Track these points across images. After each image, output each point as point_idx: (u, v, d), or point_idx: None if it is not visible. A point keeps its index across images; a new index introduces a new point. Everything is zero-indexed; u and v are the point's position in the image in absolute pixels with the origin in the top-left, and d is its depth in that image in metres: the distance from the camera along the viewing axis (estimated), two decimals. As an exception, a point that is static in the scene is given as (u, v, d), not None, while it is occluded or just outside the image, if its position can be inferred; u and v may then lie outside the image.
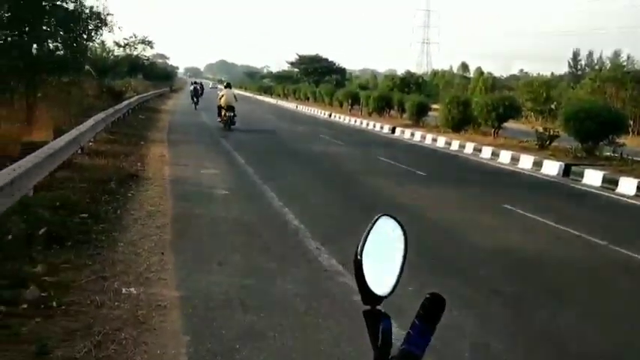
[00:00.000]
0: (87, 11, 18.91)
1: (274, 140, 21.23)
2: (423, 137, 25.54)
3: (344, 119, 37.19)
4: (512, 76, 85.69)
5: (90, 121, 13.17)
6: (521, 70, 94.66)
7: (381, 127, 30.63)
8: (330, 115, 40.53)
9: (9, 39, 17.75)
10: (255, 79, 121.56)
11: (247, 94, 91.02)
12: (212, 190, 10.18)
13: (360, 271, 1.22)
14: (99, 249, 6.07)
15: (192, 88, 39.20)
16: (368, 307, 1.26)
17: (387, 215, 1.33)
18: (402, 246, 1.33)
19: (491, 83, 60.80)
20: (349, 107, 42.99)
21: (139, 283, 5.14)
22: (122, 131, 18.53)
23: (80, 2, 18.69)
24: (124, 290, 4.93)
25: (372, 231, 1.28)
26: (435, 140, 24.31)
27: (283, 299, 5.14)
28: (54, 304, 4.50)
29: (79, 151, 11.63)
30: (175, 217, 7.86)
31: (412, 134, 26.89)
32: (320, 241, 7.04)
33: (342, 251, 6.53)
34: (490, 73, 71.84)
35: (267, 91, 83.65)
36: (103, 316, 4.39)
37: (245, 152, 15.63)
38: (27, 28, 17.66)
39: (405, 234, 1.34)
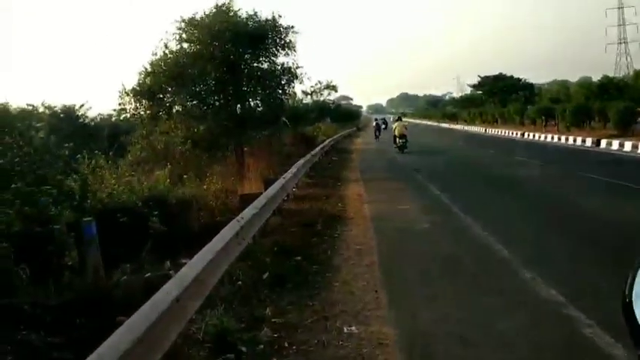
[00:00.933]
0: (279, 68, 20.65)
1: (467, 167, 20.78)
2: (635, 147, 23.05)
3: (539, 137, 35.17)
4: None
5: (292, 169, 14.17)
6: None
7: (583, 141, 28.34)
8: (522, 135, 38.64)
9: (217, 103, 20.10)
10: (438, 107, 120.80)
11: (431, 123, 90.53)
12: (412, 224, 10.24)
13: (632, 314, 1.15)
14: (316, 289, 6.43)
15: (374, 124, 47.55)
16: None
17: (654, 253, 1.25)
18: (674, 286, 1.23)
19: None
20: (543, 124, 40.56)
21: (358, 322, 5.32)
22: (319, 174, 19.62)
23: (272, 61, 20.53)
24: (345, 329, 5.14)
25: (639, 271, 1.20)
26: (649, 148, 21.83)
27: (503, 334, 4.92)
28: (286, 344, 4.86)
29: (286, 198, 12.54)
30: (381, 254, 8.04)
31: (621, 145, 24.41)
32: (535, 270, 6.65)
33: (559, 281, 6.13)
34: None
35: (452, 117, 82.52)
36: (330, 355, 4.62)
37: (438, 183, 15.50)
38: (231, 91, 19.83)
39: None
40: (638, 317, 1.18)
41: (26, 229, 6.99)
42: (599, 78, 54.13)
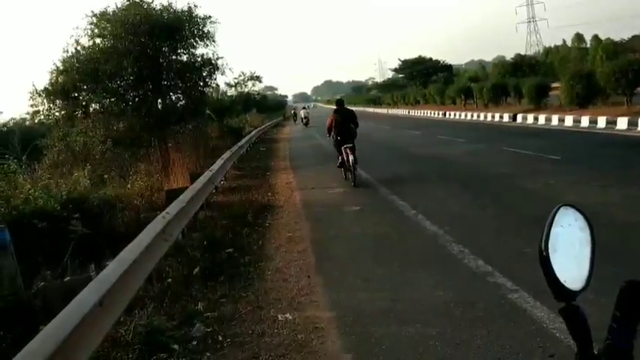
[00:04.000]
0: (199, 60, 20.14)
1: (393, 149, 21.09)
2: (548, 119, 24.21)
3: (460, 116, 36.28)
4: (635, 37, 78.68)
5: (219, 162, 13.91)
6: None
7: (501, 117, 29.52)
8: (444, 114, 39.73)
9: (136, 99, 19.37)
10: (361, 92, 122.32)
11: (356, 108, 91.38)
12: (343, 207, 10.30)
13: (549, 267, 1.14)
14: (249, 280, 6.34)
15: (292, 112, 64.07)
16: (562, 304, 1.18)
17: (567, 205, 1.25)
18: (587, 236, 1.24)
19: (613, 49, 56.31)
20: (463, 103, 41.86)
21: (292, 309, 5.27)
22: (248, 165, 19.41)
23: (192, 53, 19.99)
24: (280, 317, 5.08)
25: (553, 223, 1.20)
26: (561, 120, 22.96)
27: (436, 307, 5.02)
28: (219, 337, 4.74)
29: (214, 191, 12.30)
30: (313, 239, 8.03)
31: (535, 118, 25.60)
32: (462, 244, 6.83)
33: (492, 256, 6.33)
34: (609, 39, 66.54)
35: (376, 102, 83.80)
36: (266, 344, 4.55)
37: (366, 165, 15.63)
38: (150, 86, 19.17)
39: (589, 223, 1.25)
40: (555, 270, 1.17)
41: None
42: (512, 56, 56.58)
